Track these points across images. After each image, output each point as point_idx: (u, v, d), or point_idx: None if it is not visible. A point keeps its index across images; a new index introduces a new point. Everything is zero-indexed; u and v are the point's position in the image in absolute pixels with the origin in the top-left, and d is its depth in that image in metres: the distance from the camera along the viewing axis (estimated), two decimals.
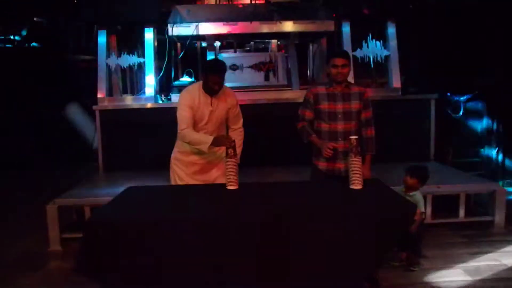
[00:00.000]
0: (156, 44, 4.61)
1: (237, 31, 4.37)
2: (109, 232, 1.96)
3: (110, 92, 4.60)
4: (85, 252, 2.03)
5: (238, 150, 2.73)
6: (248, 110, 3.04)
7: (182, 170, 2.89)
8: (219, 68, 2.68)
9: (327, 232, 1.94)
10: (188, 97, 2.74)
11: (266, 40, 5.14)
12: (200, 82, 2.77)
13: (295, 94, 4.31)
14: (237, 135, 2.86)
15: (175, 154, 2.93)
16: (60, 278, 2.83)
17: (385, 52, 4.50)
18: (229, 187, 2.38)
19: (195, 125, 2.73)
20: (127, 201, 2.34)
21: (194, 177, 2.87)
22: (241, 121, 2.92)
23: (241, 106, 2.92)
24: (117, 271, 1.97)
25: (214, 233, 1.95)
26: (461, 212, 3.37)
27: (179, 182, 2.88)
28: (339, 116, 2.65)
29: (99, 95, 4.47)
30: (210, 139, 2.60)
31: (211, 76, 2.64)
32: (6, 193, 4.86)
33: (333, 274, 1.97)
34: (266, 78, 4.49)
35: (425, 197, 3.27)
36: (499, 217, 3.34)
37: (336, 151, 2.58)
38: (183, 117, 2.68)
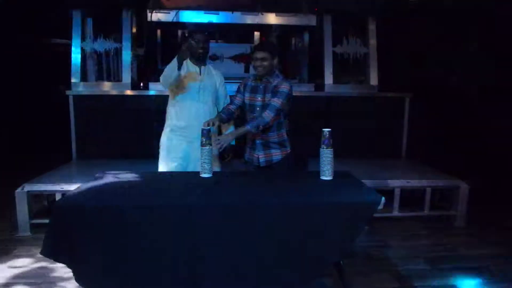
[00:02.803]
0: (134, 30, 4.69)
1: (218, 21, 4.51)
2: (77, 216, 2.03)
3: (84, 78, 4.62)
4: (52, 236, 2.06)
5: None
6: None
7: (167, 155, 3.07)
8: (203, 29, 2.87)
9: (295, 220, 2.09)
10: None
11: (248, 32, 5.31)
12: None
13: None
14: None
15: (161, 138, 3.12)
16: (29, 262, 2.93)
17: (364, 50, 4.76)
18: (203, 175, 2.52)
19: (186, 92, 2.95)
20: (98, 186, 2.41)
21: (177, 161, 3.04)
22: (228, 99, 3.15)
23: None
24: (85, 256, 2.03)
25: (180, 220, 2.05)
26: (426, 206, 3.69)
27: (163, 167, 3.06)
28: (257, 108, 2.80)
29: (73, 80, 4.51)
30: (175, 60, 2.78)
31: (196, 35, 2.87)
32: None
33: (301, 260, 2.12)
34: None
35: (393, 191, 3.58)
36: (461, 212, 3.68)
37: (253, 141, 2.82)
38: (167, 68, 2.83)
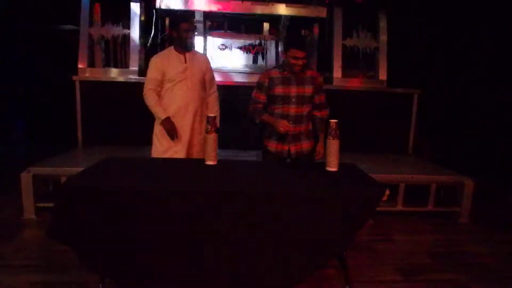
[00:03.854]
0: (143, 18, 4.68)
1: (228, 9, 4.52)
2: (83, 198, 2.04)
3: (92, 64, 4.64)
4: (57, 218, 2.07)
5: (216, 114, 3.04)
6: (233, 92, 3.21)
7: (161, 143, 3.10)
8: (188, 16, 2.94)
9: (300, 210, 2.10)
10: (157, 59, 3.03)
11: (258, 23, 5.30)
12: (172, 46, 3.05)
13: None
14: (214, 99, 3.19)
15: (155, 127, 3.14)
16: (34, 246, 2.97)
17: (375, 44, 4.73)
18: (208, 162, 2.52)
19: (173, 84, 2.99)
20: (104, 169, 2.44)
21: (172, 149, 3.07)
22: (215, 85, 3.22)
23: (227, 87, 3.11)
24: (89, 239, 2.05)
25: (187, 205, 2.05)
26: (430, 202, 3.71)
27: (156, 154, 3.10)
28: (293, 100, 2.80)
29: (80, 66, 4.52)
30: (162, 116, 2.98)
31: (182, 24, 2.93)
32: None
33: (303, 251, 2.13)
34: (255, 60, 4.67)
35: (397, 186, 3.59)
36: (465, 208, 3.69)
37: (287, 132, 2.78)
38: (149, 79, 3.01)
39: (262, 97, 2.84)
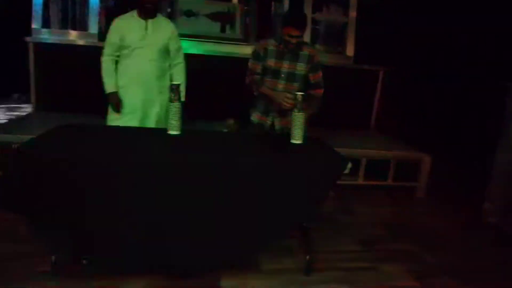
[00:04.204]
0: None
1: None
2: (33, 166, 1.96)
3: (47, 25, 4.32)
4: (7, 185, 2.00)
5: (182, 87, 2.89)
6: (199, 61, 3.09)
7: (113, 112, 2.99)
8: None
9: (262, 180, 2.10)
10: (118, 22, 2.88)
11: None
12: (135, 10, 2.89)
13: (250, 50, 4.37)
14: (179, 70, 3.05)
15: None
16: None
17: (344, 19, 4.71)
18: (171, 132, 2.43)
19: (130, 50, 2.86)
20: (57, 136, 2.32)
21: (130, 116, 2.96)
22: (182, 56, 3.06)
23: (193, 56, 2.98)
24: (40, 208, 1.97)
25: (145, 174, 1.99)
26: (390, 176, 3.83)
27: (113, 121, 2.98)
28: (282, 75, 2.77)
29: (34, 26, 4.21)
30: (111, 89, 2.90)
31: None
32: None
33: (264, 221, 2.15)
34: (222, 29, 4.51)
35: (359, 160, 3.67)
36: (422, 183, 3.86)
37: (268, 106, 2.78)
38: (108, 42, 2.90)
39: (258, 67, 2.80)
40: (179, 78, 3.01)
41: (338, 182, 2.36)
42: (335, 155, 2.38)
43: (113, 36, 2.86)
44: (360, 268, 2.49)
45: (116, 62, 2.96)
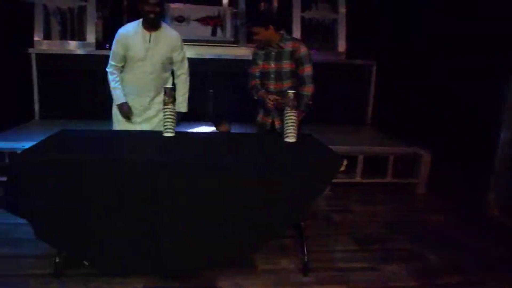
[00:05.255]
0: None
1: None
2: (35, 170, 1.99)
3: (48, 36, 4.40)
4: (11, 190, 2.01)
5: (183, 98, 2.91)
6: (192, 65, 3.06)
7: (118, 123, 2.95)
8: None
9: (255, 180, 2.07)
10: (122, 32, 2.80)
11: None
12: (141, 20, 2.79)
13: (241, 51, 4.39)
14: (182, 82, 2.96)
15: (113, 105, 2.96)
16: None
17: (334, 16, 4.65)
18: (166, 134, 2.46)
19: (132, 62, 2.80)
20: (57, 141, 2.36)
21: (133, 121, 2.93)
22: (186, 67, 2.98)
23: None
24: (43, 210, 2.00)
25: (142, 175, 2.01)
26: (389, 173, 3.70)
27: (118, 126, 2.95)
28: (271, 76, 2.77)
29: (36, 38, 4.30)
30: (120, 101, 2.83)
31: (146, 1, 2.65)
32: None
33: (260, 220, 2.11)
34: (213, 33, 4.50)
35: (356, 157, 3.58)
36: (422, 179, 3.71)
37: (274, 107, 2.75)
38: (113, 52, 2.82)
39: (257, 71, 2.85)
40: (182, 88, 2.93)
41: (335, 180, 2.30)
42: (329, 153, 2.34)
43: (118, 47, 2.78)
44: (359, 268, 2.39)
45: (121, 71, 2.89)
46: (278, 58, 2.74)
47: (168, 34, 2.84)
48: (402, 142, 3.93)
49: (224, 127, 3.17)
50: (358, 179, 3.65)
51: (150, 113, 2.94)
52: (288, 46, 2.72)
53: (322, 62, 4.46)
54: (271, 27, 2.68)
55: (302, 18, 4.59)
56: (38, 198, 1.98)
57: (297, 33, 4.54)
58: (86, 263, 2.12)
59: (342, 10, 4.64)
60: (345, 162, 2.22)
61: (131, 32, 2.77)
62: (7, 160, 3.53)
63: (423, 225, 3.09)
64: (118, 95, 2.85)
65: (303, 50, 2.71)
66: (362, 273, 2.34)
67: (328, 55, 4.63)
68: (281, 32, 2.76)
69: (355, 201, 3.45)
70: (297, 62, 2.73)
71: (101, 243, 2.06)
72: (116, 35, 2.80)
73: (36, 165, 1.99)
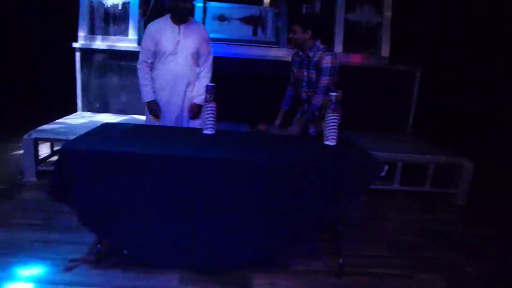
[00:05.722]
0: None
1: None
2: (81, 160, 2.07)
3: (91, 31, 4.53)
4: (57, 179, 2.10)
5: (204, 91, 2.86)
6: (232, 64, 3.09)
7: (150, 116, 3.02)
8: None
9: (292, 180, 2.08)
10: (151, 28, 2.87)
11: None
12: (169, 15, 2.87)
13: (282, 52, 4.37)
14: (205, 74, 2.98)
15: None
16: (33, 206, 2.95)
17: (378, 19, 4.55)
18: (206, 132, 2.49)
19: (164, 57, 2.86)
20: (102, 133, 2.44)
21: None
22: (211, 61, 3.01)
23: (225, 59, 2.99)
24: (87, 199, 2.09)
25: (182, 171, 2.07)
26: (428, 182, 3.59)
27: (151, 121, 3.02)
28: (304, 83, 2.80)
29: (80, 33, 4.43)
30: (148, 98, 2.89)
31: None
32: None
33: (295, 221, 2.12)
34: (254, 33, 4.51)
35: (396, 165, 3.50)
36: (462, 190, 3.57)
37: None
38: (142, 48, 2.89)
39: (293, 77, 2.93)
40: (205, 82, 2.93)
41: (372, 187, 2.27)
42: (369, 157, 2.32)
43: (147, 42, 2.86)
44: (393, 275, 2.35)
45: (151, 68, 2.96)
46: (309, 67, 2.77)
47: (197, 26, 2.94)
48: (443, 151, 3.80)
49: (261, 127, 3.20)
50: (396, 186, 3.57)
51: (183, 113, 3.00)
52: (315, 56, 2.72)
53: (365, 67, 4.43)
54: (310, 32, 2.69)
55: (346, 20, 4.50)
56: (83, 187, 2.07)
57: (339, 35, 4.47)
58: (126, 252, 2.19)
59: (387, 13, 4.51)
60: (386, 167, 2.19)
61: (160, 26, 2.85)
62: (55, 149, 3.74)
63: (461, 236, 2.99)
64: (146, 92, 2.91)
65: (325, 62, 2.68)
66: (396, 280, 2.31)
67: (370, 59, 4.54)
68: (317, 41, 2.74)
69: (391, 209, 3.38)
70: (318, 71, 2.73)
71: (142, 234, 2.13)
72: (146, 31, 2.89)
73: (83, 156, 2.07)
